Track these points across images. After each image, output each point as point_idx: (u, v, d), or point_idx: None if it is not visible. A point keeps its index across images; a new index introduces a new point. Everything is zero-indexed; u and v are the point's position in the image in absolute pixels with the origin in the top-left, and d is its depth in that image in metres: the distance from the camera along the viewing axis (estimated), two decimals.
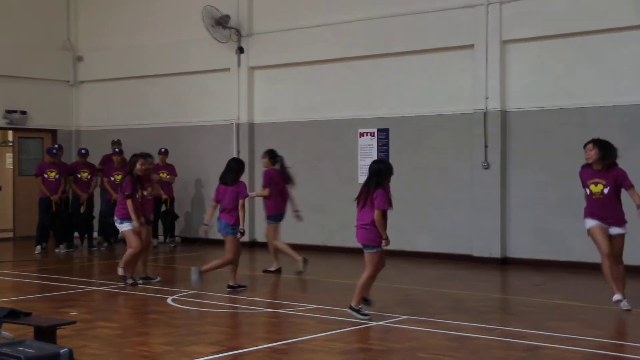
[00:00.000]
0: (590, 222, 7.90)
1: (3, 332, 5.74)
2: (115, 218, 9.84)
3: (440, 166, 12.44)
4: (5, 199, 16.48)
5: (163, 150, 14.67)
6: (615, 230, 7.87)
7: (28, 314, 6.10)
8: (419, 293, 9.36)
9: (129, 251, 9.72)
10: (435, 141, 12.67)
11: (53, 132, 16.68)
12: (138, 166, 9.77)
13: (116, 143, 14.61)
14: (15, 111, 15.92)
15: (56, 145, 14.34)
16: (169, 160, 14.73)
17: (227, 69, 14.85)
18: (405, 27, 12.85)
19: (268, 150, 10.89)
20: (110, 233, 14.27)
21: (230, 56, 14.72)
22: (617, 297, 7.87)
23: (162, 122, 15.81)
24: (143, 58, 15.96)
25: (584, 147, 7.97)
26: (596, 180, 7.85)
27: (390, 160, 13.10)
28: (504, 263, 11.88)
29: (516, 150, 11.98)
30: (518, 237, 11.92)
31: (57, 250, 13.63)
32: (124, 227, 9.73)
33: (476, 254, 12.08)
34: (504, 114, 12.05)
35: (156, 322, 7.70)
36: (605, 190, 7.77)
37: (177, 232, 14.98)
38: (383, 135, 13.23)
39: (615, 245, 7.87)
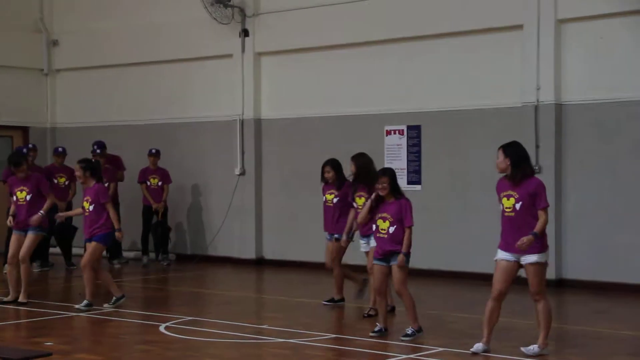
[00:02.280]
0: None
1: None
2: None
3: (481, 170, 12.43)
4: None
5: (154, 151, 14.77)
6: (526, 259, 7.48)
7: None
8: (456, 320, 9.37)
9: None
10: (476, 141, 12.68)
11: (24, 130, 16.83)
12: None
13: (101, 146, 14.59)
14: None
15: (30, 145, 14.46)
16: (161, 164, 14.82)
17: (230, 55, 14.94)
18: (440, 5, 12.88)
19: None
20: (113, 248, 14.43)
21: (233, 40, 14.80)
22: (477, 346, 7.53)
23: (152, 118, 15.92)
24: (130, 42, 16.07)
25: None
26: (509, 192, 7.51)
27: (423, 164, 13.15)
28: (559, 285, 11.85)
29: (574, 150, 11.96)
30: (576, 255, 11.89)
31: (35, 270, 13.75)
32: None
33: (525, 274, 12.04)
34: (559, 107, 12.04)
35: (147, 353, 7.75)
36: (517, 206, 7.44)
37: (170, 248, 15.05)
38: (414, 134, 13.25)
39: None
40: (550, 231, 11.76)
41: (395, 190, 8.29)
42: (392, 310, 9.35)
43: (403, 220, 8.19)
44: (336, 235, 10.08)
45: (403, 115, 13.31)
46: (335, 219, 10.09)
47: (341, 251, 10.13)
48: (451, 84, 12.91)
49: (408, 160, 13.25)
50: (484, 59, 12.61)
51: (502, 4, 12.33)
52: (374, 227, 8.37)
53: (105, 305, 10.01)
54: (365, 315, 9.45)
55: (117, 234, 10.08)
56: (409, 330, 8.17)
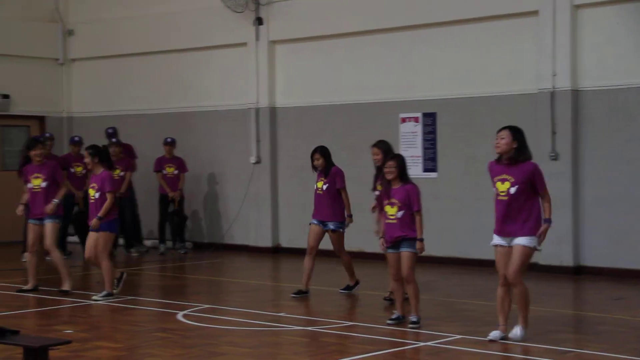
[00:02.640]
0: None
1: None
2: None
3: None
4: None
5: (169, 140, 14.80)
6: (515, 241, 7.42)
7: (15, 332, 6.21)
8: (474, 308, 9.36)
9: None
10: (492, 127, 12.41)
11: (41, 119, 16.91)
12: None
13: (113, 134, 14.70)
14: None
15: (46, 134, 14.54)
16: (176, 152, 14.85)
17: (244, 44, 14.93)
18: None
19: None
20: (130, 237, 14.55)
21: (247, 28, 14.78)
22: (494, 333, 7.51)
23: (167, 107, 15.94)
24: (144, 31, 16.09)
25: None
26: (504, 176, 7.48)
27: (439, 151, 13.11)
28: (577, 272, 11.81)
29: (591, 137, 11.89)
30: (594, 242, 11.84)
31: (47, 258, 13.82)
32: None
33: (543, 261, 12.02)
34: (575, 93, 11.97)
35: (165, 341, 7.79)
36: (512, 190, 7.39)
37: (187, 236, 15.11)
38: (429, 121, 13.21)
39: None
40: (567, 218, 11.83)
41: (402, 176, 8.29)
42: (407, 299, 9.34)
43: (411, 205, 8.18)
44: (331, 227, 10.03)
45: (418, 103, 13.27)
46: (326, 206, 10.03)
47: (341, 239, 10.09)
48: (466, 70, 12.86)
49: (423, 148, 13.21)
50: (499, 45, 12.54)
51: None
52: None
53: (94, 297, 9.91)
54: (387, 299, 9.44)
55: (94, 221, 9.77)
56: (414, 318, 8.17)
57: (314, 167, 10.23)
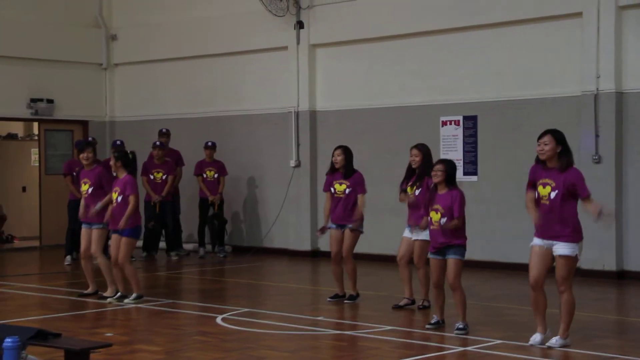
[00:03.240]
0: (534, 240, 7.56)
1: (29, 356, 5.91)
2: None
3: None
4: (31, 202, 16.98)
5: (210, 144, 14.88)
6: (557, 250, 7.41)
7: (57, 335, 6.26)
8: (515, 312, 9.26)
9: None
10: (534, 131, 12.35)
11: (84, 124, 17.10)
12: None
13: (164, 134, 14.85)
14: (40, 100, 16.38)
15: (90, 139, 14.69)
16: (216, 156, 14.93)
17: (285, 48, 14.96)
18: None
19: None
20: (171, 241, 14.69)
21: (288, 32, 14.82)
22: (535, 337, 7.47)
23: (208, 111, 16.03)
24: (186, 36, 16.21)
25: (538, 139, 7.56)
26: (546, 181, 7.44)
27: (479, 154, 13.00)
28: (621, 277, 11.64)
29: (635, 140, 11.70)
30: (638, 247, 11.65)
31: (94, 262, 13.97)
32: None
33: (586, 266, 11.86)
34: (620, 95, 11.79)
35: (204, 344, 7.82)
36: (553, 194, 7.36)
37: (226, 240, 15.16)
38: (470, 124, 13.11)
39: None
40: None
41: (450, 181, 8.21)
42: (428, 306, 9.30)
43: (452, 211, 8.09)
44: (350, 225, 9.83)
45: (459, 106, 13.18)
46: (348, 209, 9.82)
47: (355, 241, 9.87)
48: (508, 73, 12.74)
49: (464, 151, 13.12)
50: (542, 47, 12.41)
51: None
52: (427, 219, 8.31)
53: (109, 299, 10.01)
54: (420, 307, 9.39)
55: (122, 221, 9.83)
56: (461, 325, 8.08)
57: (332, 165, 9.95)
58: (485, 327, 8.33)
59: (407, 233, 9.44)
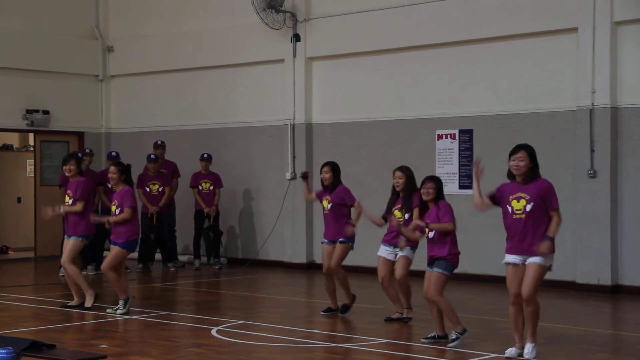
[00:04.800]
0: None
1: None
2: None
3: None
4: (26, 213, 16.97)
5: (206, 156, 14.89)
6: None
7: (52, 347, 6.25)
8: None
9: None
10: (529, 144, 12.48)
11: (80, 135, 17.11)
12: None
13: (159, 146, 14.87)
14: (36, 111, 16.38)
15: (86, 150, 14.72)
16: (212, 168, 14.93)
17: (281, 60, 15.00)
18: (494, 7, 12.76)
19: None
20: (167, 252, 14.71)
21: (284, 45, 14.86)
22: (510, 351, 7.51)
23: (204, 122, 16.05)
24: (182, 48, 16.24)
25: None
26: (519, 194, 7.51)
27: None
28: (615, 292, 11.65)
29: (630, 154, 11.74)
30: (632, 261, 11.66)
31: (84, 272, 13.96)
32: None
33: (580, 280, 11.87)
34: (615, 110, 11.84)
35: (199, 357, 7.80)
36: (528, 207, 7.41)
37: (222, 252, 15.15)
38: (466, 138, 13.14)
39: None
40: (605, 236, 11.68)
41: (438, 197, 8.30)
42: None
43: (441, 220, 8.15)
44: (341, 239, 9.80)
45: (455, 119, 13.22)
46: (333, 225, 9.80)
47: (344, 253, 9.82)
48: (504, 87, 12.79)
49: (460, 165, 13.15)
50: (538, 61, 12.46)
51: (557, 7, 12.18)
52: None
53: (109, 310, 10.04)
54: (404, 318, 9.37)
55: (104, 221, 10.22)
56: (454, 335, 8.10)
57: (322, 181, 9.92)
58: (482, 341, 8.32)
59: (382, 252, 9.43)
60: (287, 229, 14.86)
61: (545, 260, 7.40)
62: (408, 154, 13.54)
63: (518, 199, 7.49)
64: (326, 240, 9.96)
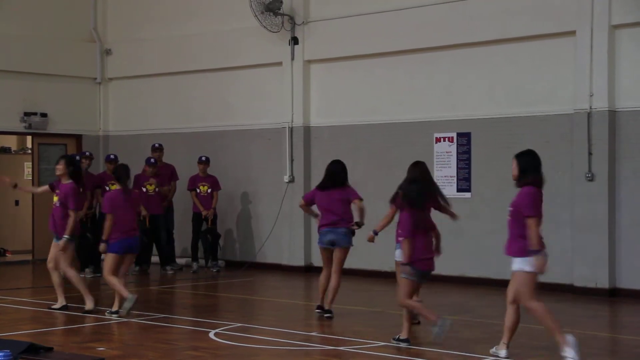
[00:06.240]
0: None
1: None
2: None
3: None
4: (24, 215, 16.95)
5: (204, 158, 14.88)
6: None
7: (49, 349, 6.27)
8: None
9: None
10: (527, 148, 12.48)
11: (78, 138, 17.09)
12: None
13: (157, 149, 14.88)
14: (34, 113, 16.37)
15: (86, 153, 14.72)
16: (210, 171, 14.93)
17: (279, 63, 15.00)
18: (491, 11, 12.77)
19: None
20: (164, 255, 14.73)
21: (282, 48, 14.86)
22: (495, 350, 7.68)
23: (202, 125, 16.04)
24: (181, 51, 16.24)
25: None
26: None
27: (473, 171, 13.03)
28: (613, 295, 11.65)
29: (628, 158, 11.74)
30: (631, 264, 11.67)
31: (82, 275, 13.93)
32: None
33: (578, 283, 11.87)
34: (613, 114, 11.84)
35: (197, 359, 7.80)
36: (509, 212, 7.61)
37: (220, 255, 15.14)
38: (464, 141, 13.14)
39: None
40: (603, 240, 11.68)
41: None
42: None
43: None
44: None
45: (453, 123, 13.22)
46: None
47: (345, 256, 10.03)
48: (502, 90, 12.80)
49: (458, 168, 13.15)
50: (536, 65, 12.47)
51: (555, 10, 12.19)
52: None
53: (107, 311, 10.08)
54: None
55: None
56: (435, 329, 8.12)
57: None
58: (479, 344, 8.31)
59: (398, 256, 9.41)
60: (285, 232, 14.85)
61: (525, 265, 7.44)
62: (406, 157, 13.47)
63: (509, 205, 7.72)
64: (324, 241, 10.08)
